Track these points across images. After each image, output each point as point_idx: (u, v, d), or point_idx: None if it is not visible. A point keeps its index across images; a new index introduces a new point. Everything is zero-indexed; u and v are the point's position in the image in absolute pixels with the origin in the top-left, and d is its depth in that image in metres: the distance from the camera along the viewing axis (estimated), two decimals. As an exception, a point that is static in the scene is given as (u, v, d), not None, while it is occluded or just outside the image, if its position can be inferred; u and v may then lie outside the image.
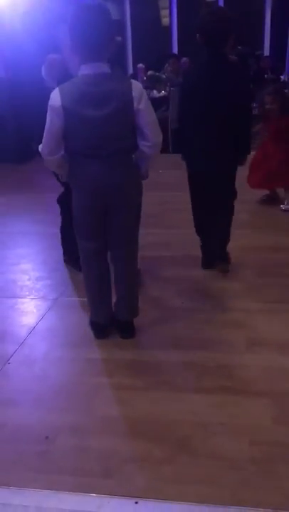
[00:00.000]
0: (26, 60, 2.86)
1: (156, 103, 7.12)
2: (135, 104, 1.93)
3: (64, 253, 3.18)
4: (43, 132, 1.99)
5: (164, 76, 7.45)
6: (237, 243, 3.42)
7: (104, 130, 1.94)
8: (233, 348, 2.21)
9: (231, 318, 2.45)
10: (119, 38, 9.96)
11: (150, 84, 7.62)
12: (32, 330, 2.45)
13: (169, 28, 9.77)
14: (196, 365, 2.09)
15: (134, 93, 1.93)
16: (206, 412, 1.82)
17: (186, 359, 2.14)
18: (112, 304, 2.33)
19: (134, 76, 8.61)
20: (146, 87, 7.65)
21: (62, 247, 3.17)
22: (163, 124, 7.10)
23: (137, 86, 1.96)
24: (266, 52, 9.69)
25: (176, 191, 4.80)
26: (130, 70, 9.56)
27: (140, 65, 8.43)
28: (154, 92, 7.20)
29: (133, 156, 2.09)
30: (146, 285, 2.83)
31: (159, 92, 7.24)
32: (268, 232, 3.56)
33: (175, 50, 9.61)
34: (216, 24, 2.56)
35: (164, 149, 6.93)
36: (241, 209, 3.90)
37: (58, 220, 3.08)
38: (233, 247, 3.35)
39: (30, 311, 2.65)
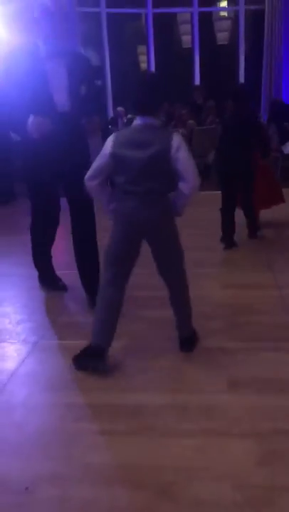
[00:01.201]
0: (8, 103, 2.97)
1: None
2: (173, 152, 2.23)
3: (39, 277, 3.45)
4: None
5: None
6: (218, 280, 3.45)
7: (143, 169, 2.25)
8: (215, 388, 2.20)
9: (212, 358, 2.45)
10: (98, 82, 10.23)
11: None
12: (12, 375, 2.41)
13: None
14: (177, 408, 2.07)
15: (173, 143, 2.24)
16: (188, 457, 1.80)
17: (167, 401, 2.12)
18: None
19: (115, 119, 8.82)
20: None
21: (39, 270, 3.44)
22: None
23: (176, 137, 2.28)
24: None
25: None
26: (110, 113, 9.79)
27: (120, 108, 8.64)
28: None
29: (169, 194, 2.38)
30: (127, 326, 2.82)
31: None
32: (248, 270, 3.60)
33: (154, 94, 9.89)
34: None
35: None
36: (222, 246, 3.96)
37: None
38: (214, 284, 3.39)
39: (10, 355, 2.61)
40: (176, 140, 2.25)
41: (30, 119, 2.79)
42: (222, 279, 3.50)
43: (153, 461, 1.79)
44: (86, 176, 2.40)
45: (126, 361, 2.45)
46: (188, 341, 2.56)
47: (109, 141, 2.32)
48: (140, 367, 2.40)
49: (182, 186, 2.32)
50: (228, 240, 4.14)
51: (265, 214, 4.56)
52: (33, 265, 3.43)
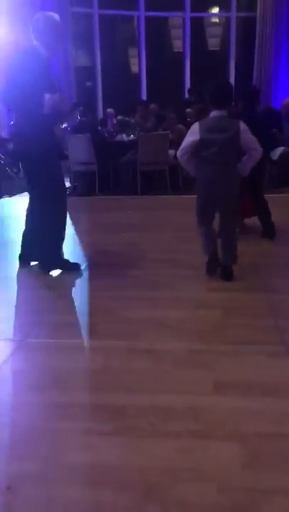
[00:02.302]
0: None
1: (126, 147, 7.28)
2: (242, 134, 3.23)
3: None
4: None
5: (132, 121, 7.65)
6: (204, 283, 3.47)
7: (222, 146, 3.22)
8: (200, 390, 2.20)
9: (198, 360, 2.45)
10: (89, 84, 10.22)
11: (119, 129, 7.82)
12: (-4, 373, 2.38)
13: (138, 75, 10.11)
14: (162, 409, 2.06)
15: (241, 128, 3.24)
16: (174, 458, 1.79)
17: (152, 402, 2.11)
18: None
19: (104, 120, 8.82)
20: (115, 131, 7.86)
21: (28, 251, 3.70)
22: (133, 166, 7.29)
23: (242, 124, 3.25)
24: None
25: (144, 232, 4.87)
26: (100, 115, 9.78)
27: (110, 110, 8.66)
28: (124, 136, 7.37)
29: (238, 165, 3.36)
30: (114, 326, 2.82)
31: (128, 136, 7.40)
32: (235, 272, 3.62)
33: (144, 97, 9.91)
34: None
35: (134, 191, 7.19)
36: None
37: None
38: (201, 287, 3.40)
39: (-6, 353, 2.58)
40: (242, 125, 3.24)
41: (47, 96, 3.23)
42: (208, 281, 3.50)
43: (138, 462, 1.78)
44: (178, 153, 3.35)
45: (112, 361, 2.44)
46: (228, 270, 3.45)
47: (196, 128, 3.27)
48: (126, 367, 2.39)
49: (252, 153, 3.30)
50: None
51: (251, 219, 4.58)
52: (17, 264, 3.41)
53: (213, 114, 3.29)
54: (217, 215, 3.48)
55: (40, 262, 3.71)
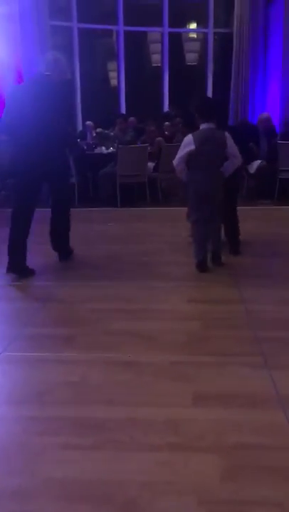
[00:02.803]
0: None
1: (105, 159, 7.31)
2: (228, 144, 3.77)
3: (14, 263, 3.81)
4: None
5: (112, 134, 7.68)
6: (184, 295, 3.48)
7: (211, 154, 3.77)
8: (180, 402, 2.20)
9: (178, 372, 2.45)
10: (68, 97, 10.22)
11: (99, 141, 7.84)
12: (-27, 388, 2.34)
13: (117, 88, 10.18)
14: (142, 422, 2.05)
15: (227, 138, 3.76)
16: (153, 471, 1.78)
17: (132, 415, 2.10)
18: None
19: (84, 133, 8.83)
20: (95, 144, 7.87)
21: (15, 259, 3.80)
22: (112, 178, 7.31)
23: (227, 135, 3.78)
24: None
25: (123, 244, 4.88)
26: (80, 127, 9.79)
27: (89, 123, 8.67)
28: (103, 148, 7.39)
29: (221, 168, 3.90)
30: (95, 338, 2.80)
31: (108, 148, 7.43)
32: (213, 285, 3.64)
33: (123, 110, 9.98)
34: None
35: (113, 203, 7.19)
36: (189, 262, 4.02)
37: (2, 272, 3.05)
38: (180, 298, 3.41)
39: (-29, 367, 2.54)
40: (227, 136, 3.76)
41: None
42: (188, 293, 3.52)
43: (117, 476, 1.76)
44: (175, 162, 3.87)
45: (91, 374, 2.43)
46: (218, 255, 4.03)
47: (190, 139, 3.75)
48: (106, 380, 2.38)
49: (234, 160, 3.85)
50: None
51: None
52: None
53: (203, 126, 3.78)
54: None
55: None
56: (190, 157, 3.77)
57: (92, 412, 2.14)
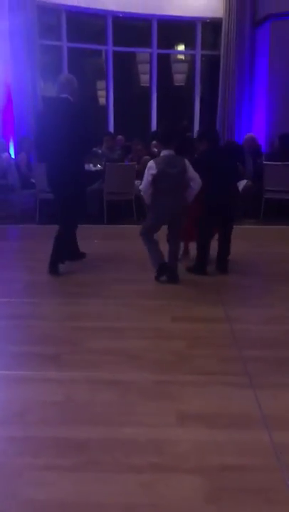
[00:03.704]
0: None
1: (92, 176, 7.32)
2: (187, 168, 3.98)
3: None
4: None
5: (99, 151, 7.71)
6: (169, 313, 3.46)
7: (175, 178, 3.96)
8: (163, 422, 2.17)
9: (160, 391, 2.42)
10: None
11: (87, 159, 7.85)
12: None
13: (106, 107, 10.26)
14: (125, 442, 2.02)
15: (186, 163, 3.99)
16: (136, 493, 1.75)
17: (115, 435, 2.07)
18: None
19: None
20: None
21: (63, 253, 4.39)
22: (99, 195, 7.31)
23: (186, 161, 4.00)
24: (195, 135, 10.35)
25: (109, 261, 4.86)
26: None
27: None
28: (91, 165, 7.41)
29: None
30: (78, 356, 2.77)
31: (95, 166, 7.45)
32: (198, 303, 3.64)
33: (111, 129, 10.04)
34: None
35: (100, 220, 7.19)
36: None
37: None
38: (164, 317, 3.40)
39: None
40: (187, 162, 4.00)
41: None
42: (172, 311, 3.51)
43: (99, 498, 1.72)
44: (142, 188, 4.05)
45: (74, 393, 2.39)
46: (172, 270, 4.12)
47: (152, 164, 3.97)
48: (89, 399, 2.35)
49: (193, 185, 4.03)
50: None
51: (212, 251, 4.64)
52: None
53: (164, 153, 4.04)
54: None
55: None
56: (153, 181, 3.94)
57: (74, 432, 2.10)
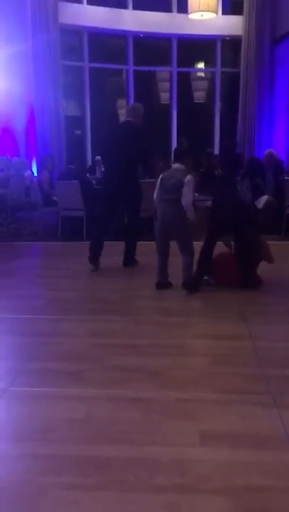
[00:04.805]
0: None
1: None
2: (184, 184, 4.16)
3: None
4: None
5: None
6: (191, 330, 3.45)
7: (171, 189, 4.23)
8: (187, 441, 2.15)
9: (184, 409, 2.40)
10: (78, 132, 10.45)
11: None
12: (-24, 423, 2.31)
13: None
14: (148, 461, 2.01)
15: (186, 180, 4.18)
16: (159, 514, 1.73)
17: (137, 454, 2.06)
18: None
19: (93, 167, 8.97)
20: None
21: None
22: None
23: (188, 177, 4.21)
24: (216, 151, 10.39)
25: (132, 277, 4.87)
26: (89, 162, 9.96)
27: (98, 158, 8.82)
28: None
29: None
30: (101, 374, 2.77)
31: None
32: (221, 320, 3.61)
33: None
34: None
35: (121, 236, 7.29)
36: (196, 296, 4.00)
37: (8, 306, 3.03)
38: (187, 334, 3.38)
39: (-25, 402, 2.51)
40: (188, 178, 4.20)
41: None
42: (194, 328, 3.49)
43: (122, 518, 1.71)
44: (155, 195, 4.46)
45: (96, 411, 2.39)
46: (186, 284, 4.29)
47: (160, 176, 4.39)
48: (111, 417, 2.34)
49: (182, 200, 4.17)
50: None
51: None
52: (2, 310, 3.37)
53: (173, 166, 4.47)
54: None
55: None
56: (157, 190, 4.40)
57: (96, 450, 2.09)
